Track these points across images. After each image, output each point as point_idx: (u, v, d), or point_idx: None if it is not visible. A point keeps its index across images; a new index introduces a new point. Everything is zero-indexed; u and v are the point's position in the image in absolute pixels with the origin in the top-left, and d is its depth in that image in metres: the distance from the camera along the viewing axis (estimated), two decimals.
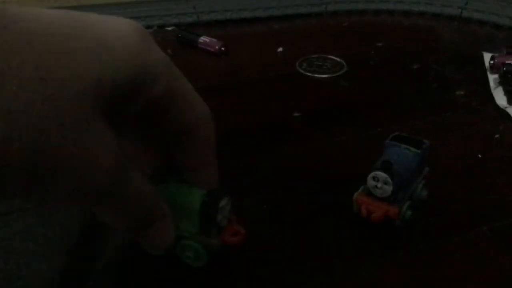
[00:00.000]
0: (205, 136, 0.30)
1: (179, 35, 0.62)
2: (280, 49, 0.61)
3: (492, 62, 0.54)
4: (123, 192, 0.25)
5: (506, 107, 0.48)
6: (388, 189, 0.33)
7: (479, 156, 0.42)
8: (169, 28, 0.66)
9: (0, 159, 0.20)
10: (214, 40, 0.60)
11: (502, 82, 0.52)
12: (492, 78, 0.53)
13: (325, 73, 0.55)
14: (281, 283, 0.31)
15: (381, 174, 0.33)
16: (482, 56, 0.57)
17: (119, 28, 0.25)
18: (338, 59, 0.58)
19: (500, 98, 0.50)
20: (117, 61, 0.24)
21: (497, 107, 0.49)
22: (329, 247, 0.34)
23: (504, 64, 0.53)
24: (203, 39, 0.60)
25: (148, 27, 0.65)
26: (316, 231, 0.35)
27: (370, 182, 0.33)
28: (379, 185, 0.33)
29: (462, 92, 0.52)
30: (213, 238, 0.30)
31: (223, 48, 0.59)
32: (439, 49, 0.62)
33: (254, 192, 0.38)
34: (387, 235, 0.34)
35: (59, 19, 0.23)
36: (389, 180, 0.33)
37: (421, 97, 0.52)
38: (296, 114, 0.48)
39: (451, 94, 0.51)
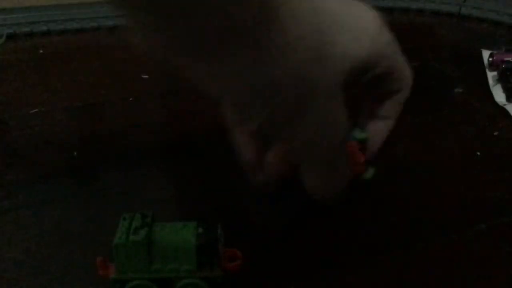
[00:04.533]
0: (402, 95, 0.35)
1: None
2: None
3: (491, 59, 0.54)
4: (342, 153, 0.32)
5: (505, 105, 0.48)
6: None
7: (478, 153, 0.42)
8: None
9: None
10: None
11: (500, 79, 0.51)
12: (491, 75, 0.53)
13: None
14: (278, 282, 0.31)
15: None
16: (481, 54, 0.57)
17: (366, 16, 0.31)
18: None
19: (499, 95, 0.50)
20: (364, 44, 0.30)
21: (496, 104, 0.49)
22: (327, 246, 0.34)
23: (503, 61, 0.53)
24: None
25: None
26: (313, 230, 0.35)
27: None
28: None
29: (461, 90, 0.52)
30: (216, 270, 0.28)
31: None
32: (438, 47, 0.62)
33: (252, 192, 0.38)
34: (384, 234, 0.34)
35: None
36: None
37: (420, 94, 0.51)
38: None
39: (450, 92, 0.51)
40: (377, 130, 0.36)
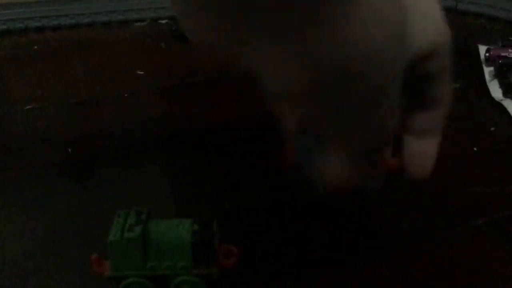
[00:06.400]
0: (443, 107, 0.31)
1: (173, 28, 0.62)
2: None
3: (487, 54, 0.54)
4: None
5: (501, 100, 0.48)
6: None
7: (475, 149, 0.42)
8: (163, 21, 0.65)
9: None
10: None
11: (497, 74, 0.51)
12: (488, 70, 0.53)
13: None
14: (274, 279, 0.31)
15: None
16: (477, 49, 0.57)
17: (433, 5, 0.30)
18: None
19: (495, 90, 0.50)
20: (429, 34, 0.27)
21: (492, 99, 0.49)
22: (323, 243, 0.33)
23: (499, 56, 0.53)
24: None
25: (141, 20, 0.65)
26: (310, 227, 0.35)
27: None
28: None
29: (457, 85, 0.51)
30: (212, 267, 0.28)
31: None
32: None
33: (248, 189, 0.38)
34: (382, 230, 0.34)
35: None
36: None
37: None
38: None
39: None
40: (425, 149, 0.31)
